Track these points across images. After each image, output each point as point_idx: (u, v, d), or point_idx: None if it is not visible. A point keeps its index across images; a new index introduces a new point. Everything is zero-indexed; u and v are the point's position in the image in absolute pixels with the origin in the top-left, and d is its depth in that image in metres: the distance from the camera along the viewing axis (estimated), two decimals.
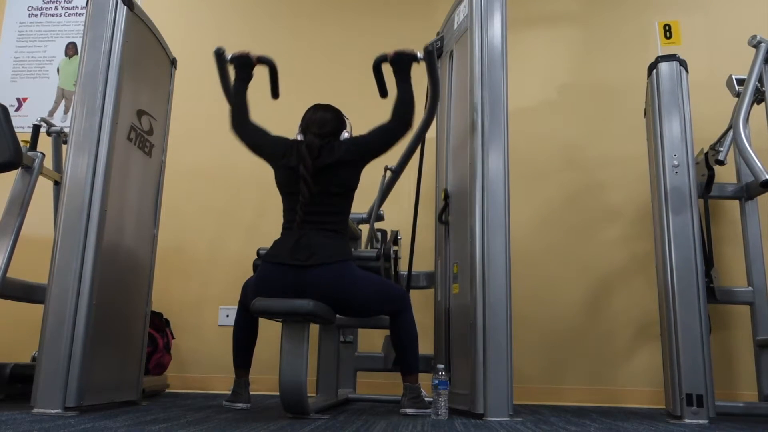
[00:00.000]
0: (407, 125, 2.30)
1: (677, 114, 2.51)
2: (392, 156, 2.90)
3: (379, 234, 2.82)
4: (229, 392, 2.37)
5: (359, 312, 2.31)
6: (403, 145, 2.87)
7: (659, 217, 2.49)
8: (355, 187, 2.32)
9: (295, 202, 2.20)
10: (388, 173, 3.06)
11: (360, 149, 2.28)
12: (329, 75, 3.79)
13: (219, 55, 2.43)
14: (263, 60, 2.46)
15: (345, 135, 2.33)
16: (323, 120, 2.32)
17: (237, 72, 2.42)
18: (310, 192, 2.18)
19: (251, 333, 2.38)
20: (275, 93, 2.57)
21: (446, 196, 2.73)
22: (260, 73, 2.38)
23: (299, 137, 2.32)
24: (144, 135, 2.50)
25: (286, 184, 2.29)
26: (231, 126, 2.39)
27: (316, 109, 2.38)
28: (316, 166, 2.21)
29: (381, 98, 2.50)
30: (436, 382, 2.17)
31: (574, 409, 2.88)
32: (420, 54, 2.34)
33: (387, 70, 2.41)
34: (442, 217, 2.76)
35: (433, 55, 2.38)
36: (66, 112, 3.88)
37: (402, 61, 2.33)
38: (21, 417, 1.84)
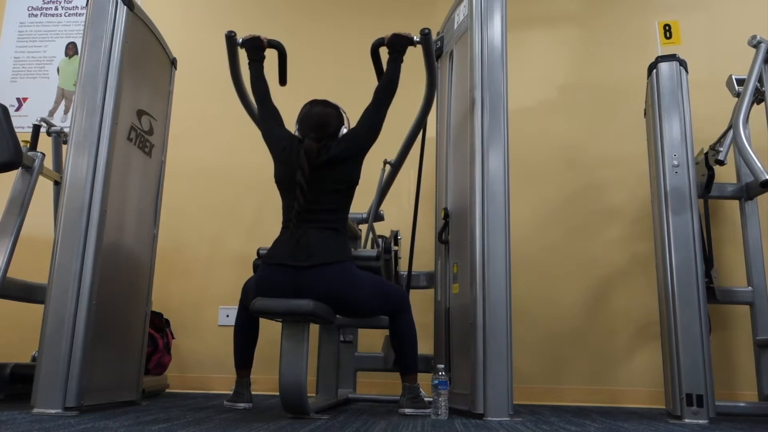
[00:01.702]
0: (389, 97, 2.34)
1: (677, 114, 2.51)
2: (391, 149, 2.90)
3: (380, 240, 2.80)
4: (230, 392, 2.37)
5: (359, 312, 2.31)
6: (402, 136, 2.88)
7: (659, 217, 2.49)
8: (356, 183, 2.31)
9: (293, 200, 2.20)
10: (387, 167, 3.05)
11: (354, 141, 2.28)
12: (329, 75, 3.79)
13: (230, 38, 2.49)
14: (273, 44, 2.54)
15: (344, 131, 2.32)
16: (321, 121, 2.29)
17: (249, 54, 2.47)
18: (305, 198, 2.16)
19: (252, 333, 2.38)
20: (283, 79, 2.65)
21: (446, 215, 2.70)
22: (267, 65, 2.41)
23: (297, 135, 2.32)
24: (144, 135, 2.50)
25: (283, 180, 2.28)
26: (256, 99, 2.43)
27: (313, 106, 2.35)
28: (314, 164, 2.20)
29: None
30: (436, 382, 2.17)
31: (574, 409, 2.88)
32: (417, 38, 2.40)
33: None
34: (442, 236, 2.72)
35: (430, 37, 2.42)
36: (66, 112, 3.88)
37: (398, 44, 2.38)
38: (21, 417, 1.84)
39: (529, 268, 3.41)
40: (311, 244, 2.16)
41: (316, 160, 2.21)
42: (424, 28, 2.41)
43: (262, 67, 2.47)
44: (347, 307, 2.22)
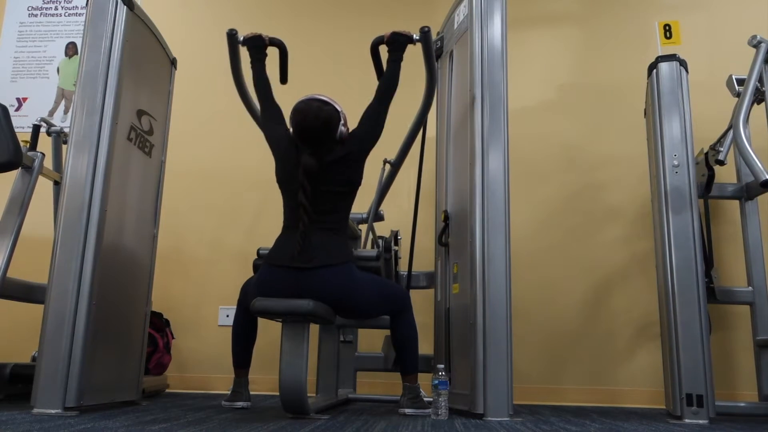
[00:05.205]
0: (389, 96, 2.35)
1: (677, 114, 2.51)
2: (391, 148, 2.90)
3: (380, 240, 2.79)
4: (229, 392, 2.37)
5: (361, 314, 2.30)
6: (401, 135, 2.88)
7: (659, 217, 2.49)
8: (358, 183, 2.30)
9: (295, 201, 2.18)
10: (387, 167, 3.04)
11: (357, 143, 2.27)
12: (330, 75, 3.79)
13: (231, 36, 2.50)
14: (275, 42, 2.53)
15: (341, 129, 2.27)
16: (316, 132, 2.20)
17: (251, 53, 2.48)
18: (310, 219, 2.15)
19: (250, 333, 2.38)
20: (284, 77, 2.65)
21: (446, 218, 2.69)
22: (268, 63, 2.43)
23: (290, 132, 2.29)
24: (144, 135, 2.50)
25: (284, 180, 2.27)
26: (258, 98, 2.42)
27: (307, 114, 2.20)
28: (321, 162, 2.19)
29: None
30: (436, 382, 2.17)
31: (574, 409, 2.88)
32: (416, 36, 2.40)
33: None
34: (442, 239, 2.71)
35: (429, 36, 2.42)
36: (66, 112, 3.88)
37: (397, 42, 2.38)
38: (21, 417, 1.84)
39: (529, 268, 3.41)
40: (313, 246, 2.16)
41: (318, 166, 2.19)
42: (424, 27, 2.41)
43: (264, 67, 2.46)
44: (349, 309, 2.22)
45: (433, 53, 2.55)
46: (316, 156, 2.19)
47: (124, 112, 2.30)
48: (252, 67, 2.46)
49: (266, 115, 2.41)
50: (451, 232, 2.69)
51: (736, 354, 3.26)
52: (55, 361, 2.00)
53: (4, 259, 2.29)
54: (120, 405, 2.35)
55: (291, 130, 2.28)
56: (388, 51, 2.40)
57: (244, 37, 2.49)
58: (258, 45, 2.47)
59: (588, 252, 3.47)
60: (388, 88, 2.35)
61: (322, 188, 2.19)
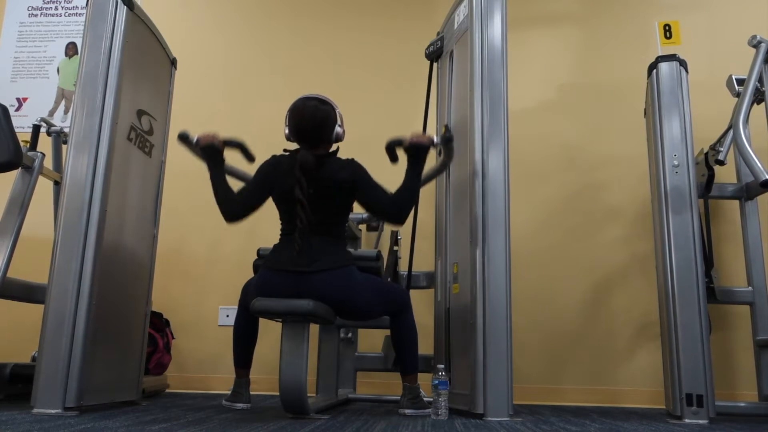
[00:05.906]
0: (401, 218, 2.22)
1: (677, 114, 2.51)
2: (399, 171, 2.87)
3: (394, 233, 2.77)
4: (229, 392, 2.37)
5: (362, 315, 2.30)
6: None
7: (659, 217, 2.49)
8: (351, 207, 2.29)
9: (292, 210, 2.18)
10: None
11: (357, 190, 2.22)
12: (330, 74, 3.78)
13: (184, 139, 2.33)
14: (230, 143, 2.33)
15: (338, 130, 2.27)
16: (314, 133, 2.22)
17: (208, 162, 2.28)
18: (307, 218, 2.14)
19: (251, 333, 2.38)
20: (250, 159, 2.40)
21: (447, 131, 2.70)
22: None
23: (286, 132, 2.28)
24: (144, 135, 2.50)
25: (282, 200, 2.26)
26: (227, 220, 2.26)
27: (304, 112, 2.23)
28: (315, 185, 2.18)
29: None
30: (436, 382, 2.17)
31: (574, 409, 2.88)
32: (437, 140, 2.29)
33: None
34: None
35: (451, 142, 2.36)
36: (66, 112, 3.88)
37: (418, 153, 2.23)
38: (21, 417, 1.84)
39: (529, 268, 3.41)
40: (313, 251, 2.16)
41: (316, 176, 2.18)
42: (447, 133, 2.32)
43: (222, 173, 2.28)
44: (350, 310, 2.22)
45: (452, 157, 2.49)
46: (313, 149, 2.21)
47: (124, 112, 2.30)
48: (210, 177, 2.26)
49: (246, 209, 2.26)
50: (450, 230, 2.69)
51: (736, 354, 3.26)
52: (55, 361, 2.00)
53: (4, 259, 2.29)
54: (120, 405, 2.35)
55: (287, 129, 2.28)
56: (408, 161, 2.24)
57: (197, 139, 2.29)
58: (213, 152, 2.27)
59: (588, 252, 3.47)
60: (405, 204, 2.20)
61: (319, 201, 2.18)
